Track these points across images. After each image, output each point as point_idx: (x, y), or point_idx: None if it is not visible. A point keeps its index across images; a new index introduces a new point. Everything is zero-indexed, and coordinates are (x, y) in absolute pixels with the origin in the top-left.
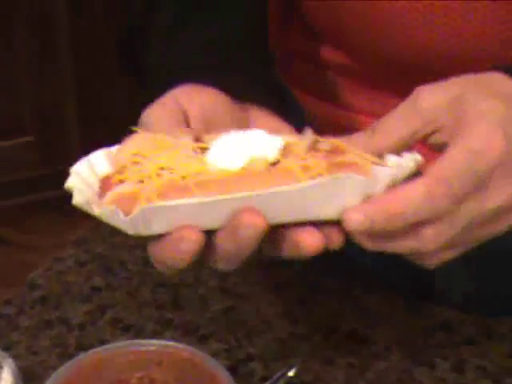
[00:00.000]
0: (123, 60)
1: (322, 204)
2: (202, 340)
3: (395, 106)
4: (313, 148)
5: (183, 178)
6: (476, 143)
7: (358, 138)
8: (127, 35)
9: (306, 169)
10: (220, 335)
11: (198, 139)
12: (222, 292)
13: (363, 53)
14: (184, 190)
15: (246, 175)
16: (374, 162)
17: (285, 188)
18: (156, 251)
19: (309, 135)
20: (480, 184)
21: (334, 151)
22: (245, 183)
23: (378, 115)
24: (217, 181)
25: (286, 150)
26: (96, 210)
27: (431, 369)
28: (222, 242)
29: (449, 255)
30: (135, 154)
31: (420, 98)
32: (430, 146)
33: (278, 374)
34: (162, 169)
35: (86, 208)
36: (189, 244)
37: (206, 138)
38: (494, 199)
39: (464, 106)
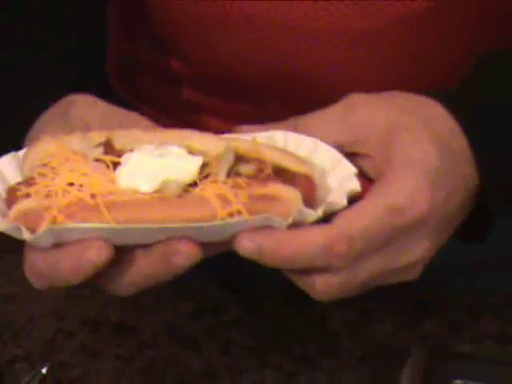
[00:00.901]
0: None
1: (235, 232)
2: None
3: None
4: (234, 170)
5: (92, 196)
6: (398, 200)
7: (278, 135)
8: None
9: (223, 200)
10: None
11: (108, 142)
12: None
13: (200, 62)
14: (93, 211)
15: (158, 199)
16: (303, 194)
17: (201, 224)
18: (46, 259)
19: (229, 154)
20: (391, 241)
21: (257, 176)
22: (157, 209)
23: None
24: (127, 203)
25: (203, 170)
26: (0, 226)
27: (198, 353)
28: (146, 266)
29: (341, 296)
30: (43, 165)
31: (354, 110)
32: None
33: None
34: (70, 184)
35: None
36: (98, 253)
37: (116, 140)
38: (404, 257)
39: (396, 146)
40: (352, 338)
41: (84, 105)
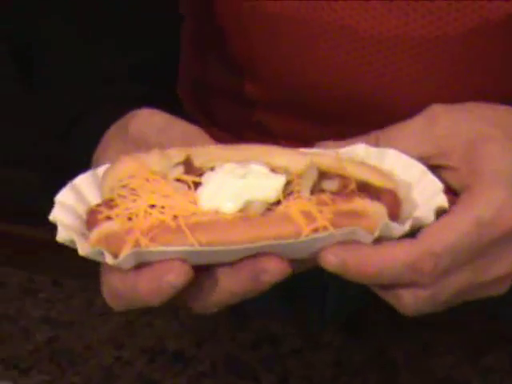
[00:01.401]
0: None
1: (319, 248)
2: (23, 373)
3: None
4: (317, 187)
5: (174, 217)
6: (487, 213)
7: (358, 148)
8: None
9: (308, 217)
10: (43, 366)
11: (188, 160)
12: (45, 322)
13: (274, 84)
14: (175, 233)
15: (242, 219)
16: (388, 209)
17: (286, 241)
18: (125, 282)
19: (313, 170)
20: (479, 256)
21: (342, 192)
22: (241, 228)
23: None
24: (210, 224)
25: (287, 188)
26: (81, 251)
27: (256, 382)
28: (233, 285)
29: (429, 310)
30: (124, 186)
31: (438, 122)
32: (436, 176)
33: None
34: (151, 206)
35: (70, 245)
36: (177, 277)
37: (195, 158)
38: (493, 270)
39: (483, 157)
40: (411, 370)
41: (142, 117)
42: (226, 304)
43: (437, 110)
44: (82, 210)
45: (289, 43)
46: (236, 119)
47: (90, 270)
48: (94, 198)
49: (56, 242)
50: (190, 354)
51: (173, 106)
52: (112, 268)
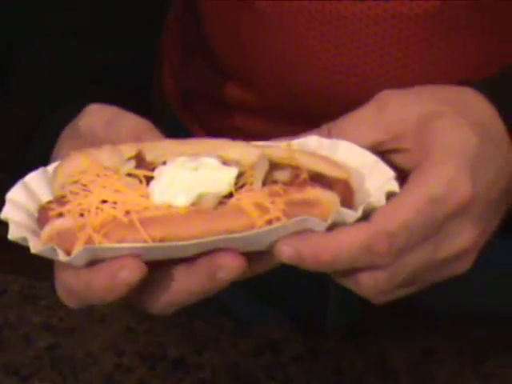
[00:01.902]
0: None
1: (275, 239)
2: (24, 380)
3: None
4: (269, 178)
5: (127, 213)
6: (438, 189)
7: (310, 140)
8: None
9: (261, 208)
10: (43, 373)
11: (139, 155)
12: (46, 329)
13: (266, 88)
14: (128, 228)
15: (195, 213)
16: (341, 199)
17: (240, 234)
18: (79, 279)
19: (264, 162)
20: (433, 233)
21: (294, 182)
22: (194, 222)
23: None
24: (163, 219)
25: (239, 180)
26: (33, 248)
27: None
28: (190, 284)
29: (399, 293)
30: (75, 183)
31: (388, 107)
32: (388, 162)
33: None
34: (103, 201)
35: (22, 243)
36: (131, 273)
37: (147, 153)
38: (450, 246)
39: (433, 134)
40: (413, 377)
41: (91, 112)
42: (184, 304)
43: (385, 96)
44: (33, 207)
45: (278, 39)
46: (223, 125)
47: None
48: (45, 196)
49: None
50: (190, 360)
51: (142, 110)
52: (65, 265)
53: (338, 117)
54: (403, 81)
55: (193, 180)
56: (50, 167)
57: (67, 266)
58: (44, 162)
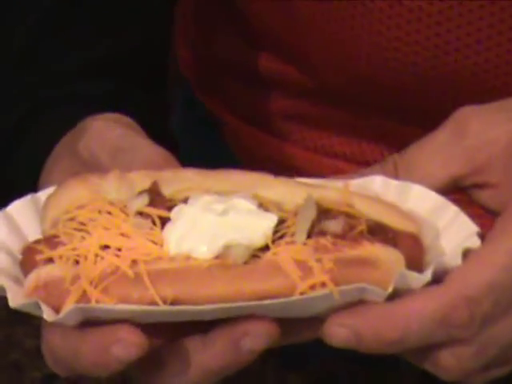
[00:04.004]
0: None
1: (320, 308)
2: None
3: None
4: (317, 228)
5: (133, 263)
6: None
7: (374, 180)
8: None
9: (303, 268)
10: None
11: (154, 188)
12: (41, 356)
13: (321, 65)
14: (134, 284)
15: (218, 268)
16: (406, 258)
17: (274, 301)
18: (65, 344)
19: (311, 207)
20: None
21: (347, 235)
22: (217, 280)
23: (323, 152)
24: (179, 273)
25: (278, 229)
26: (12, 302)
27: None
28: (208, 361)
29: (492, 374)
30: (71, 220)
31: (468, 131)
32: (470, 200)
33: None
34: (105, 247)
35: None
36: (126, 350)
37: (164, 186)
38: None
39: None
40: None
41: (94, 133)
42: None
43: (464, 115)
44: (16, 246)
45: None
46: (256, 104)
47: None
48: (31, 232)
49: None
50: None
51: (147, 105)
52: (52, 324)
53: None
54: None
55: (219, 226)
56: (41, 194)
57: (54, 325)
58: (30, 178)
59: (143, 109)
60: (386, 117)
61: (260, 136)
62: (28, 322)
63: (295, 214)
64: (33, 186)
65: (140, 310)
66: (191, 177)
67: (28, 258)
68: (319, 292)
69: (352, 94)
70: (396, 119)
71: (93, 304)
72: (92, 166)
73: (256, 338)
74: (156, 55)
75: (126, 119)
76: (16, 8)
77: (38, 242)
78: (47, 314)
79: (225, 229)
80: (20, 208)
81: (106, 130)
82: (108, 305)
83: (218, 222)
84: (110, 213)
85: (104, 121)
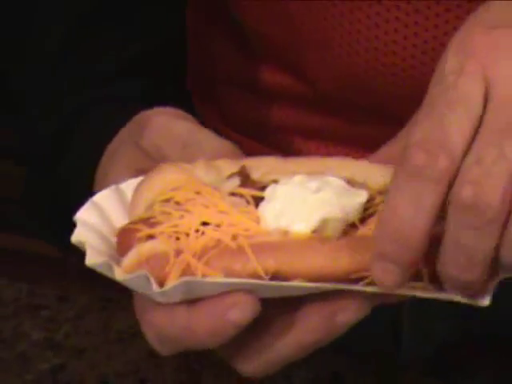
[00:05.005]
0: None
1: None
2: None
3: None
4: None
5: (233, 237)
6: None
7: None
8: None
9: None
10: None
11: (244, 172)
12: (48, 348)
13: (318, 72)
14: (235, 255)
15: (317, 241)
16: None
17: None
18: (175, 320)
19: None
20: None
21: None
22: (315, 252)
23: None
24: (278, 246)
25: (366, 206)
26: (119, 275)
27: None
28: (303, 335)
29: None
30: (166, 201)
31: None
32: None
33: None
34: (204, 224)
35: (102, 270)
36: (243, 313)
37: (252, 170)
38: None
39: None
40: None
41: (158, 126)
42: (286, 362)
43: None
44: (106, 231)
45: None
46: (254, 115)
47: (106, 282)
48: (118, 219)
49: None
50: None
51: (182, 100)
52: (156, 304)
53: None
54: None
55: (315, 202)
56: (125, 185)
57: (158, 306)
58: (83, 179)
59: (179, 105)
60: (383, 125)
61: (256, 147)
62: (35, 314)
63: (380, 192)
64: (88, 187)
65: (249, 284)
66: (274, 162)
67: (125, 239)
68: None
69: (349, 102)
70: (394, 127)
71: (198, 277)
72: (158, 161)
73: (350, 312)
74: (178, 54)
75: (183, 113)
76: (50, 9)
77: (134, 222)
78: (155, 287)
79: (320, 205)
80: (105, 197)
81: (170, 124)
82: (213, 278)
83: (313, 198)
84: (204, 193)
85: (165, 115)
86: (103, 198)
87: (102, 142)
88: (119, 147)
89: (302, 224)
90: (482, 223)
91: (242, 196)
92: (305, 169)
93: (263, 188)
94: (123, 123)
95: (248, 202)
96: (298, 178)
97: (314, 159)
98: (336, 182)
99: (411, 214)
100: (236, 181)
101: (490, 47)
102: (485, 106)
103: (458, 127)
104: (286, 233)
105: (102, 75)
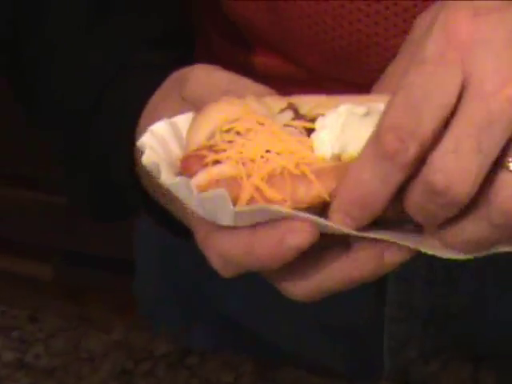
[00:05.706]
0: None
1: None
2: None
3: None
4: None
5: (296, 164)
6: None
7: None
8: None
9: None
10: None
11: (293, 106)
12: (19, 368)
13: (307, 49)
14: (298, 180)
15: None
16: None
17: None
18: (239, 243)
19: None
20: None
21: None
22: None
23: None
24: (338, 169)
25: None
26: (166, 180)
27: None
28: (351, 269)
29: None
30: (227, 131)
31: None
32: None
33: None
34: (267, 151)
35: (153, 171)
36: (301, 239)
37: (299, 106)
38: None
39: None
40: None
41: (199, 78)
42: (337, 291)
43: None
44: (168, 157)
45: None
46: None
47: (75, 304)
48: (176, 149)
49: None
50: None
51: None
52: (220, 228)
53: None
54: None
55: (366, 126)
56: (178, 118)
57: (222, 229)
58: (120, 129)
59: None
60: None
61: None
62: (6, 334)
63: None
64: (129, 139)
65: (316, 221)
66: (317, 99)
67: (191, 164)
68: None
69: (337, 78)
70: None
71: (262, 204)
72: (199, 106)
73: (396, 253)
74: (189, 36)
75: (220, 67)
76: None
77: (198, 149)
78: (231, 206)
79: (370, 127)
80: (162, 128)
81: (211, 75)
82: (285, 209)
83: (364, 122)
84: (263, 124)
85: (205, 68)
86: (160, 128)
87: (144, 97)
88: (161, 100)
89: (354, 148)
90: (446, 204)
91: (295, 128)
92: (347, 102)
93: (312, 121)
94: (163, 79)
95: (301, 133)
96: (346, 107)
97: (355, 95)
98: (382, 107)
99: (377, 187)
100: (290, 114)
101: (471, 37)
102: (460, 97)
103: (431, 117)
104: (340, 158)
105: (132, 46)
